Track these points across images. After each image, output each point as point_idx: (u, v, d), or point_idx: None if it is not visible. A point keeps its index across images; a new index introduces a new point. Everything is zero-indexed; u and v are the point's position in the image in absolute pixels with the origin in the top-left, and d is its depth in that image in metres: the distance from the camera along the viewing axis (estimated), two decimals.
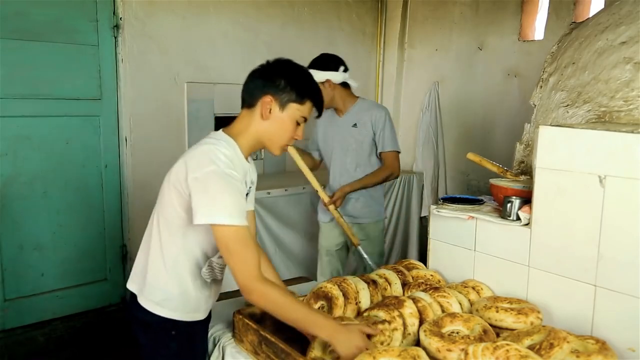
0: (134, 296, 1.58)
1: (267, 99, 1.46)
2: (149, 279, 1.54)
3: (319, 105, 1.53)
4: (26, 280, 3.13)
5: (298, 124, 1.52)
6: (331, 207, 2.71)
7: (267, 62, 1.52)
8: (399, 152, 2.82)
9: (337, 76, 2.76)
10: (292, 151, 2.69)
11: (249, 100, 1.50)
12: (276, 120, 1.48)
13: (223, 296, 2.00)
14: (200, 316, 1.60)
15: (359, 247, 2.72)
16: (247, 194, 1.56)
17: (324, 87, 2.76)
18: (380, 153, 2.79)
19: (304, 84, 1.50)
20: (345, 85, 2.82)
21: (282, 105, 1.47)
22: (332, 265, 2.98)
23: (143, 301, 1.54)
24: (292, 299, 1.39)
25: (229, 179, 1.38)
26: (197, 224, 1.37)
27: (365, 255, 2.71)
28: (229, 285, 1.72)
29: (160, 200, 1.52)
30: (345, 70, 2.79)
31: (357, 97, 2.87)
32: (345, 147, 2.82)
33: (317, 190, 2.72)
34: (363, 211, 2.86)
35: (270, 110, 1.47)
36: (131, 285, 1.60)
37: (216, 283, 1.63)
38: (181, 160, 1.45)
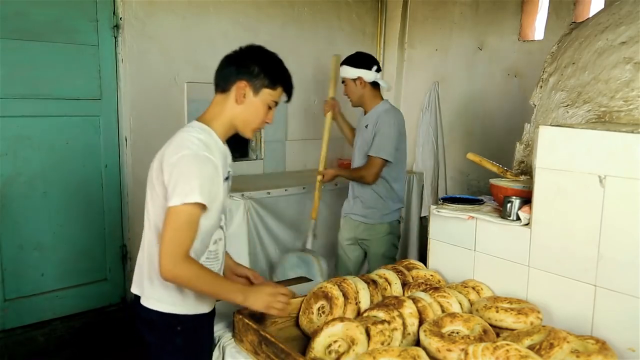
0: (137, 297, 1.59)
1: (242, 84, 1.52)
2: (148, 278, 1.55)
3: (289, 91, 1.60)
4: (26, 280, 3.13)
5: (269, 108, 1.58)
6: (318, 177, 2.95)
7: (240, 48, 1.58)
8: (384, 160, 2.75)
9: (369, 75, 2.78)
10: (328, 117, 2.97)
11: (223, 85, 1.56)
12: (250, 104, 1.54)
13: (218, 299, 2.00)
14: (204, 309, 1.60)
15: (313, 221, 3.01)
16: (227, 178, 1.60)
17: (355, 85, 2.80)
18: (371, 155, 2.78)
19: (277, 71, 1.57)
20: (376, 86, 2.84)
21: (256, 91, 1.53)
22: (341, 259, 3.05)
23: (145, 301, 1.55)
24: (209, 272, 1.47)
25: (203, 160, 1.43)
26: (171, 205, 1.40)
27: (310, 234, 2.96)
28: None
29: (150, 198, 1.55)
30: (378, 70, 2.82)
31: (382, 99, 2.88)
32: (357, 146, 2.90)
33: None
34: (367, 211, 2.87)
35: (245, 95, 1.53)
36: (134, 289, 1.62)
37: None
38: (158, 154, 1.51)
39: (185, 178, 1.39)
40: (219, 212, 1.55)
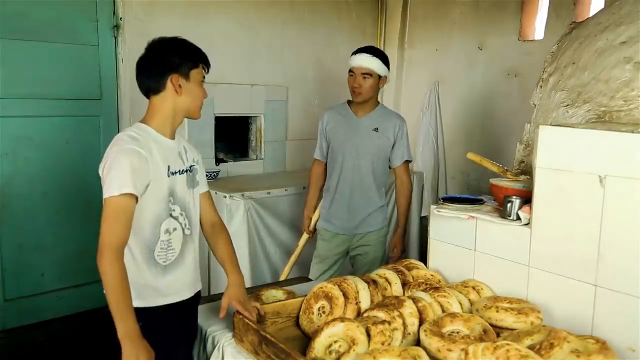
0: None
1: (174, 78, 1.63)
2: None
3: (207, 61, 1.74)
4: (26, 280, 3.13)
5: (201, 84, 1.72)
6: (305, 234, 2.97)
7: (148, 51, 1.70)
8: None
9: (388, 76, 2.71)
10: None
11: (155, 87, 1.66)
12: (189, 91, 1.66)
13: (219, 297, 1.99)
14: (169, 300, 1.64)
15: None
16: (187, 171, 1.70)
17: (378, 82, 2.66)
18: (404, 162, 2.75)
19: (191, 51, 1.70)
20: None
21: (187, 77, 1.66)
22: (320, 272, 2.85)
23: None
24: (126, 286, 1.48)
25: (128, 152, 1.51)
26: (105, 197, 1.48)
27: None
28: (225, 287, 1.73)
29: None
30: None
31: (378, 101, 2.79)
32: (363, 149, 2.68)
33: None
34: (375, 220, 2.78)
35: (180, 85, 1.64)
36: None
37: (177, 265, 1.66)
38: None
39: (112, 172, 1.49)
40: (164, 202, 1.60)
